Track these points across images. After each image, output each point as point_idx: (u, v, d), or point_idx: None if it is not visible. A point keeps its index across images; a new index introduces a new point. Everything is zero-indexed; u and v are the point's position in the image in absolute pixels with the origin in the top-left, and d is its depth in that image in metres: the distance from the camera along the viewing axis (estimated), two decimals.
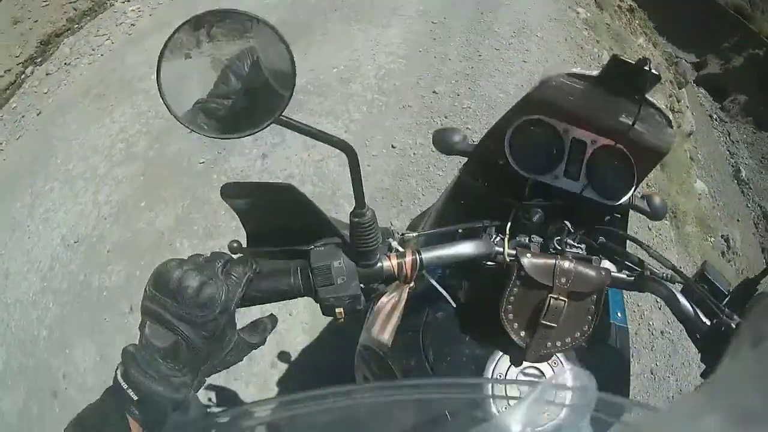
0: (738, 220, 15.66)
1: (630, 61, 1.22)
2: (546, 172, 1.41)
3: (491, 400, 1.18)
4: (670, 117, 1.38)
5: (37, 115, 5.68)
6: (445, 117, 5.02)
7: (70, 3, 7.84)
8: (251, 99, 0.94)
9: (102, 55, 6.47)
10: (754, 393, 0.47)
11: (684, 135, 11.32)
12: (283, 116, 0.90)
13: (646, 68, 1.19)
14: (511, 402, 0.85)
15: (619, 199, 1.42)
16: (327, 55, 5.66)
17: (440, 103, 5.28)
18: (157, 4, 7.52)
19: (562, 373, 0.88)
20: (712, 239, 7.42)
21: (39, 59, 6.92)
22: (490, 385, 1.31)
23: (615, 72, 1.26)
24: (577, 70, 1.34)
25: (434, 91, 5.39)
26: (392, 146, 4.70)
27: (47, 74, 6.39)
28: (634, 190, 1.43)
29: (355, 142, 4.19)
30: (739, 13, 51.11)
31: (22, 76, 6.62)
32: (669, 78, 12.87)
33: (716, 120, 41.25)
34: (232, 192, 1.07)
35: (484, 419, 0.83)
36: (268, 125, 0.90)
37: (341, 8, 6.51)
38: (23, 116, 5.76)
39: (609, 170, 1.41)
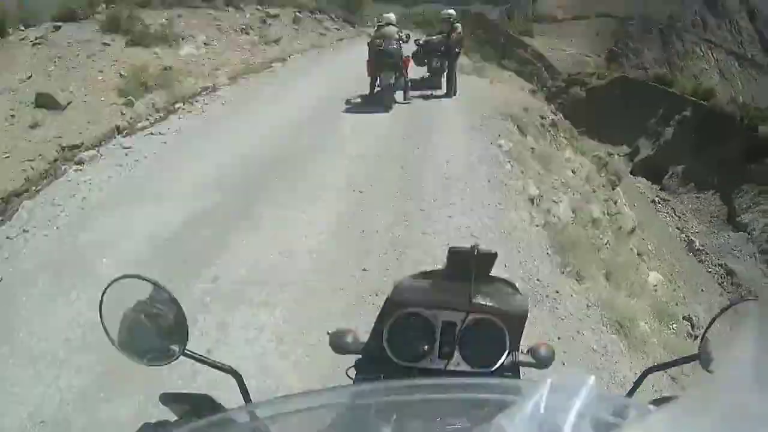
0: (702, 290, 15.89)
1: (464, 249, 1.51)
2: (422, 359, 1.64)
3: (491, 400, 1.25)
4: (516, 284, 1.69)
5: None
6: (377, 294, 5.18)
7: (29, 161, 8.49)
8: (163, 340, 1.42)
9: (57, 227, 6.89)
10: (754, 393, 0.50)
11: (627, 234, 12.01)
12: (187, 350, 1.40)
13: (477, 252, 1.49)
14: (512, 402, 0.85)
15: (495, 364, 1.62)
16: (265, 237, 6.14)
17: (371, 281, 5.62)
18: (107, 178, 8.31)
19: (562, 373, 0.88)
20: (675, 326, 7.57)
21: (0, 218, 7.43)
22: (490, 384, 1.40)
23: (455, 260, 1.56)
24: (424, 269, 1.69)
25: (364, 269, 5.78)
26: (328, 333, 5.09)
27: (7, 238, 6.80)
28: (509, 353, 1.63)
29: (291, 332, 4.81)
30: (660, 81, 53.87)
31: None
32: (601, 183, 13.60)
33: (659, 202, 42.46)
34: (170, 400, 1.45)
35: (484, 419, 0.87)
36: (176, 359, 1.41)
37: (274, 190, 7.18)
38: None
39: (483, 341, 1.62)
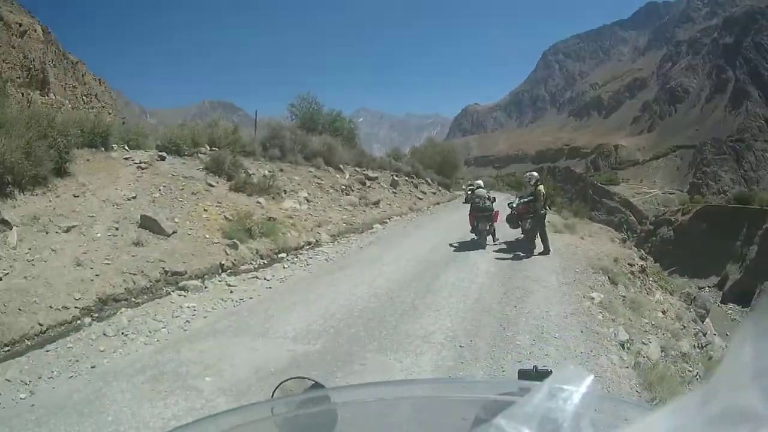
0: None
1: (528, 369, 1.67)
2: None
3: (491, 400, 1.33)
4: None
5: (91, 367, 6.53)
6: None
7: (130, 274, 9.33)
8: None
9: (158, 340, 7.44)
10: (753, 392, 0.52)
11: (717, 362, 11.83)
12: None
13: (536, 370, 1.66)
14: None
15: None
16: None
17: None
18: (212, 309, 8.93)
19: (562, 373, 0.87)
20: None
21: (96, 314, 8.20)
22: (490, 384, 1.50)
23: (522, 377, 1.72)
24: None
25: (463, 418, 6.01)
26: None
27: (104, 334, 7.45)
28: None
29: None
30: (739, 201, 53.35)
31: (78, 322, 7.87)
32: (691, 317, 14.12)
33: None
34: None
35: (484, 419, 0.91)
36: None
37: (378, 339, 7.46)
38: (77, 360, 6.67)
39: None
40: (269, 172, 20.00)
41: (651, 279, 16.17)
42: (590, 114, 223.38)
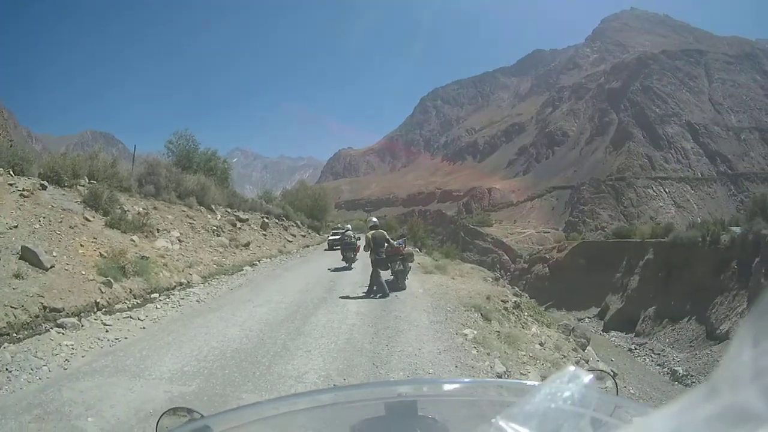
0: None
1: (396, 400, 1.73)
2: None
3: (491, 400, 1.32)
4: None
5: None
6: None
7: (12, 308, 9.32)
8: None
9: (40, 378, 7.53)
10: (753, 391, 0.53)
11: (609, 392, 12.57)
12: None
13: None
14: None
15: None
16: None
17: None
18: (89, 347, 9.03)
19: (561, 373, 0.91)
20: None
21: None
22: (490, 385, 1.52)
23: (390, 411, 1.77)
24: None
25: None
26: None
27: None
28: None
29: None
30: (619, 236, 56.90)
31: None
32: (571, 347, 14.61)
33: (636, 348, 42.55)
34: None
35: (484, 419, 0.91)
36: None
37: (252, 380, 7.67)
38: None
39: None
40: (143, 209, 20.18)
41: (526, 314, 16.68)
42: (465, 158, 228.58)
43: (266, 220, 33.09)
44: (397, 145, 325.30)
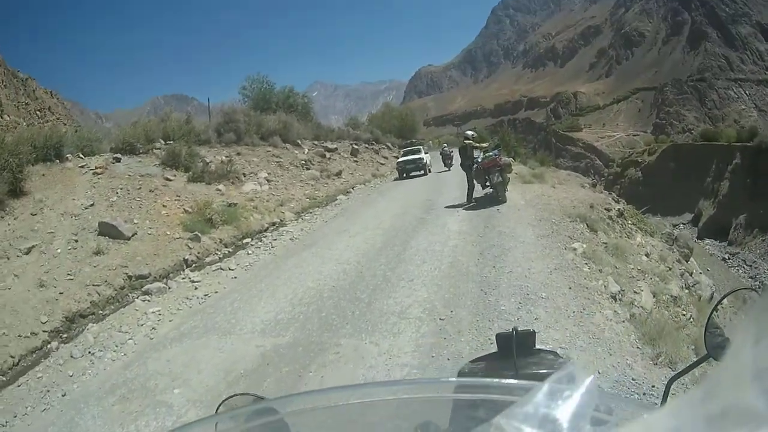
0: None
1: (507, 332, 1.72)
2: None
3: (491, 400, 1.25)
4: (558, 352, 1.88)
5: (62, 396, 6.14)
6: None
7: (94, 286, 8.84)
8: None
9: (125, 354, 7.03)
10: (754, 391, 0.49)
11: (707, 302, 12.12)
12: None
13: (516, 332, 1.70)
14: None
15: None
16: (342, 376, 5.79)
17: None
18: (177, 310, 8.44)
19: (562, 372, 0.79)
20: None
21: (65, 335, 7.81)
22: (490, 385, 1.38)
23: (502, 343, 1.78)
24: (479, 355, 1.87)
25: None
26: None
27: (72, 357, 7.04)
28: None
29: None
30: (706, 138, 55.21)
31: (48, 347, 7.49)
32: (675, 258, 13.81)
33: (729, 258, 41.86)
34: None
35: (484, 419, 0.84)
36: None
37: (351, 321, 6.86)
38: (48, 391, 6.27)
39: None
40: (226, 157, 19.44)
41: (629, 222, 15.54)
42: (545, 64, 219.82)
43: (355, 147, 31.81)
44: (476, 57, 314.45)
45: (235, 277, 10.00)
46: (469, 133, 16.69)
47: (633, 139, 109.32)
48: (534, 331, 1.76)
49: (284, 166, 21.47)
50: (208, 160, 18.08)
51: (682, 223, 54.31)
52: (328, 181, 22.12)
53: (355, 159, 29.92)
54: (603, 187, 38.35)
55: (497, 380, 1.31)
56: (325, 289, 8.29)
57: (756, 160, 46.62)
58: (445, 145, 37.75)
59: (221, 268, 10.65)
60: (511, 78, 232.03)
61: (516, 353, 1.72)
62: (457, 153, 16.83)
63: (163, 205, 13.32)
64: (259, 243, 12.85)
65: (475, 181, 15.41)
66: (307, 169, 22.48)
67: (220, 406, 1.66)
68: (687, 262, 15.28)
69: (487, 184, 15.00)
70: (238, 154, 20.77)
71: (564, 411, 0.72)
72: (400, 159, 28.27)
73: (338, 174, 23.80)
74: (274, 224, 14.82)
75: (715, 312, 1.88)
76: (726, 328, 1.84)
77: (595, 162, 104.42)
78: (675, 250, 15.29)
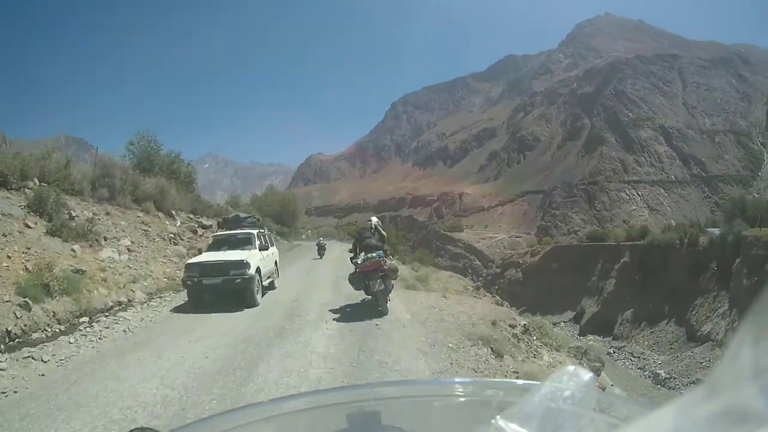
0: None
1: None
2: None
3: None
4: None
5: None
6: None
7: None
8: None
9: None
10: (754, 391, 0.49)
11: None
12: None
13: None
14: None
15: None
16: None
17: None
18: None
19: (562, 373, 0.84)
20: None
21: None
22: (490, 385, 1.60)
23: None
24: None
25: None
26: None
27: None
28: None
29: None
30: (593, 240, 57.45)
31: None
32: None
33: (615, 352, 42.36)
34: None
35: (484, 419, 0.85)
36: None
37: None
38: None
39: None
40: (94, 214, 17.94)
41: (535, 338, 13.86)
42: (435, 163, 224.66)
43: None
44: (367, 150, 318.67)
45: (43, 375, 7.89)
46: (375, 219, 14.37)
47: (515, 240, 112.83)
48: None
49: (151, 236, 19.76)
50: (75, 214, 16.55)
51: (563, 321, 55.58)
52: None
53: None
54: (481, 286, 38.64)
55: (497, 380, 2.02)
56: (132, 425, 6.09)
57: (646, 257, 48.25)
58: (321, 237, 43.58)
59: (32, 357, 8.46)
60: (400, 174, 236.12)
61: None
62: (353, 242, 14.74)
63: (8, 256, 11.72)
64: (89, 329, 10.75)
65: (353, 287, 13.08)
66: (175, 244, 20.74)
67: None
68: (598, 376, 14.19)
69: (369, 295, 12.84)
70: (107, 213, 19.17)
71: (564, 411, 0.77)
72: (194, 260, 15.01)
73: None
74: (120, 303, 13.04)
75: None
76: None
77: (474, 262, 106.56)
78: (585, 364, 14.26)
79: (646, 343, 43.07)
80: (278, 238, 41.19)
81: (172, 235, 21.14)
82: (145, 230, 19.86)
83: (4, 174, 15.68)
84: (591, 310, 54.05)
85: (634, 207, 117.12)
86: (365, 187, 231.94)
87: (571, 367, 0.84)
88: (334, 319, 11.91)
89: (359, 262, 12.68)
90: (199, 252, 18.88)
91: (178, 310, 13.45)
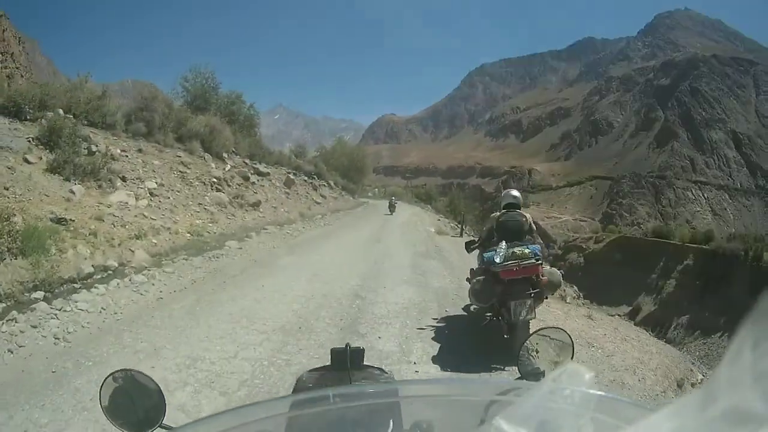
0: None
1: (341, 348, 1.74)
2: None
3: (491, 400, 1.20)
4: (384, 368, 1.95)
5: None
6: None
7: None
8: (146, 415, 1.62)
9: None
10: (754, 393, 0.49)
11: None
12: (163, 424, 1.55)
13: (349, 348, 1.73)
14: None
15: None
16: None
17: None
18: None
19: (562, 373, 0.80)
20: None
21: None
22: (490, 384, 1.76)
23: (336, 357, 1.76)
24: (316, 366, 1.92)
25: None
26: None
27: None
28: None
29: None
30: (657, 235, 50.58)
31: None
32: None
33: None
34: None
35: (484, 419, 0.86)
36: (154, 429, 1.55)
37: None
38: None
39: None
40: (123, 150, 14.29)
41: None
42: (507, 136, 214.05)
43: (292, 177, 25.69)
44: (440, 116, 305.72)
45: None
46: (514, 194, 8.16)
47: (579, 224, 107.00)
48: (363, 348, 1.76)
49: (188, 179, 15.53)
50: (95, 149, 12.94)
51: (618, 315, 51.30)
52: (236, 212, 16.07)
53: (287, 190, 23.87)
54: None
55: (497, 380, 1.64)
56: None
57: (708, 264, 43.89)
58: (393, 197, 41.91)
59: None
60: (471, 143, 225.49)
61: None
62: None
63: None
64: (9, 326, 5.92)
65: (472, 300, 7.09)
66: (218, 190, 16.43)
67: (102, 385, 1.66)
68: None
69: (497, 316, 6.74)
70: (140, 150, 15.20)
71: (564, 412, 0.75)
72: None
73: (255, 205, 17.70)
74: (105, 269, 8.52)
75: (527, 343, 1.92)
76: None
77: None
78: None
79: (697, 353, 38.66)
80: (344, 193, 36.97)
81: (215, 180, 16.78)
82: (182, 172, 15.70)
83: (17, 103, 12.79)
84: (647, 308, 49.30)
85: (698, 209, 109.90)
86: (435, 152, 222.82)
87: (572, 367, 0.78)
88: (431, 358, 6.14)
89: (498, 260, 6.52)
90: (252, 202, 16.88)
91: (175, 294, 8.34)
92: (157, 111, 17.37)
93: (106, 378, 1.65)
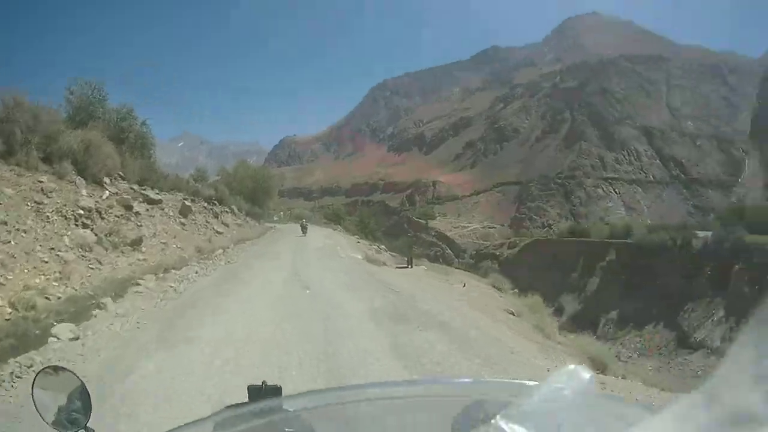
0: None
1: (257, 385, 1.58)
2: None
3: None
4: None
5: None
6: None
7: None
8: (71, 414, 1.58)
9: None
10: (754, 393, 0.49)
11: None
12: (88, 426, 1.56)
13: (265, 386, 1.59)
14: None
15: None
16: None
17: None
18: None
19: (562, 373, 0.80)
20: None
21: None
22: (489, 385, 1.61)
23: (252, 393, 1.57)
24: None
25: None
26: None
27: None
28: None
29: None
30: (573, 235, 49.15)
31: None
32: None
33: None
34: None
35: (484, 419, 0.84)
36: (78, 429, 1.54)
37: None
38: None
39: None
40: None
41: None
42: (410, 150, 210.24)
43: (188, 204, 21.40)
44: (342, 134, 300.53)
45: None
46: None
47: (488, 231, 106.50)
48: (280, 386, 1.59)
49: (44, 213, 11.45)
50: None
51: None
52: (107, 257, 11.92)
53: (183, 220, 19.82)
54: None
55: (497, 380, 1.52)
56: None
57: (633, 256, 44.15)
58: (303, 219, 41.10)
59: None
60: (374, 159, 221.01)
61: None
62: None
63: None
64: None
65: None
66: (84, 226, 12.21)
67: (34, 381, 1.65)
68: None
69: None
70: None
71: (564, 412, 0.74)
72: None
73: (136, 243, 13.58)
74: None
75: None
76: None
77: (446, 251, 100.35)
78: None
79: (633, 346, 37.89)
80: (249, 219, 33.07)
81: (82, 212, 12.52)
82: (38, 203, 11.53)
83: None
84: (571, 308, 48.57)
85: (610, 204, 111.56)
86: (339, 170, 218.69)
87: (571, 367, 0.78)
88: None
89: None
90: (131, 241, 13.03)
91: None
92: (19, 122, 13.24)
93: (38, 373, 1.66)
